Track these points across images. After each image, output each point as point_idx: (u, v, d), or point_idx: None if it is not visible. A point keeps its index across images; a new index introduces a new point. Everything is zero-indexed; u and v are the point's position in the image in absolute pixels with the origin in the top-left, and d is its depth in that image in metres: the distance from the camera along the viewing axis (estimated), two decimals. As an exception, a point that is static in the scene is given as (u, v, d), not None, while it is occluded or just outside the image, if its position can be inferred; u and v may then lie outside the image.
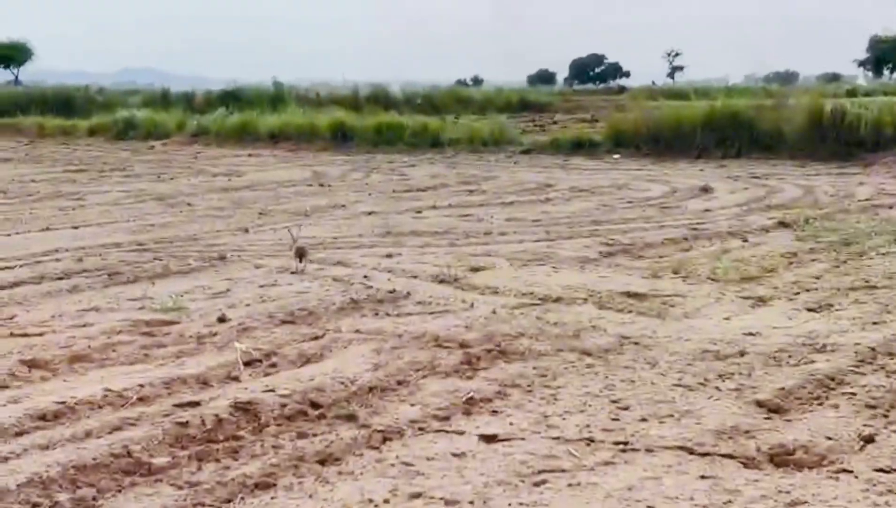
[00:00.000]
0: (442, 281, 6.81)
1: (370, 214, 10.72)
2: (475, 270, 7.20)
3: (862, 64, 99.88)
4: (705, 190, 12.37)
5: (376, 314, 5.88)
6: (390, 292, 6.43)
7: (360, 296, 6.29)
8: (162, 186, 13.92)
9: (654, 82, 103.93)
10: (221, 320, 5.69)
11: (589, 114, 36.02)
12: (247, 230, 9.48)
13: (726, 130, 16.77)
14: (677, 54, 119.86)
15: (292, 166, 17.00)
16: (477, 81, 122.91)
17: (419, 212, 10.82)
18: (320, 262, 7.57)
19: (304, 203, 11.66)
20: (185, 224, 9.96)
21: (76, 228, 9.71)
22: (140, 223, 10.02)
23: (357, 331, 5.45)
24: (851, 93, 60.25)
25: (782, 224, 9.39)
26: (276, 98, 35.64)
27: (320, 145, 20.64)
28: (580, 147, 18.14)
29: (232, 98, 35.93)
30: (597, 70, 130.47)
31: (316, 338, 5.30)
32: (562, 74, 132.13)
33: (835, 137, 15.87)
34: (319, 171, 16.01)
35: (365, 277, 6.94)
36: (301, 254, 7.21)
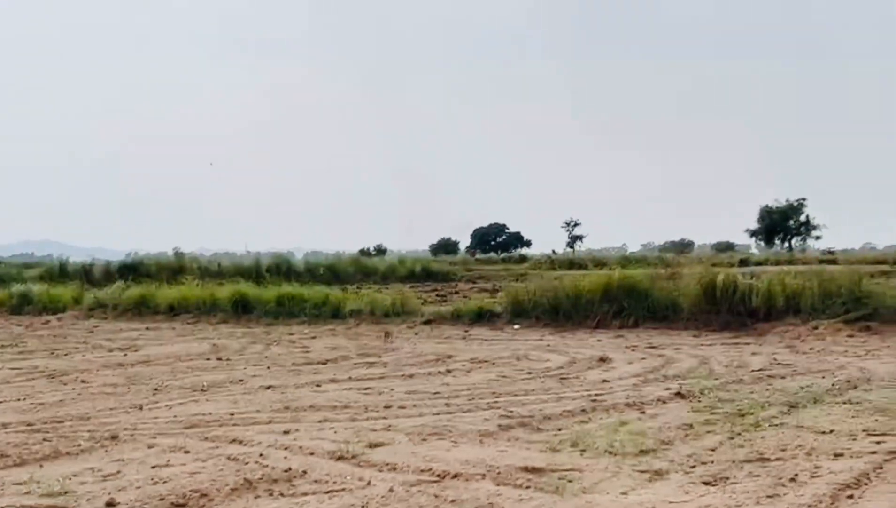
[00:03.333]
0: (340, 458, 6.72)
1: (269, 388, 10.59)
2: (374, 445, 7.12)
3: (754, 234, 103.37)
4: (603, 360, 12.49)
5: (271, 495, 5.77)
6: (286, 470, 6.31)
7: (255, 475, 6.17)
8: (56, 362, 13.63)
9: (554, 251, 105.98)
10: (110, 504, 5.53)
11: (490, 283, 36.53)
12: (141, 408, 9.28)
13: (623, 301, 17.08)
14: (577, 224, 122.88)
15: (191, 340, 16.81)
16: (380, 251, 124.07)
17: (318, 386, 10.73)
18: (215, 440, 7.43)
19: (202, 378, 11.50)
20: (78, 402, 9.72)
21: (-37, 408, 9.41)
22: (31, 402, 9.75)
23: (250, 513, 5.33)
24: (744, 262, 62.25)
25: (679, 395, 9.48)
26: (176, 269, 35.58)
27: (220, 317, 20.52)
28: (481, 317, 18.28)
29: (131, 270, 35.77)
30: (498, 239, 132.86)
31: (207, 522, 5.16)
32: (464, 242, 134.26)
33: (728, 308, 16.26)
34: (218, 344, 15.87)
35: (261, 455, 6.82)
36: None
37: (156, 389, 10.65)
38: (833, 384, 9.97)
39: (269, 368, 12.52)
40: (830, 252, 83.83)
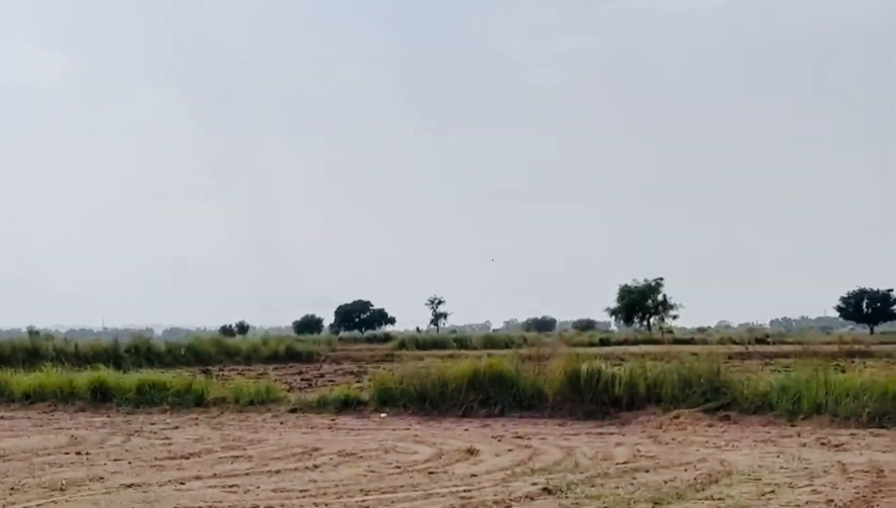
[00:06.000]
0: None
1: (130, 486, 10.33)
2: (240, 553, 7.00)
3: (614, 313, 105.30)
4: (471, 452, 12.52)
5: None
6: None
7: (120, 592, 6.00)
8: None
9: (418, 329, 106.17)
10: None
11: (356, 365, 36.54)
12: (-4, 512, 8.96)
13: (490, 389, 17.17)
14: (441, 301, 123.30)
15: (48, 431, 16.27)
16: (242, 328, 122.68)
17: (182, 483, 10.51)
18: (76, 550, 7.21)
19: (61, 475, 11.15)
20: (-71, 507, 9.34)
21: None
22: None
23: None
24: (605, 341, 63.35)
25: (546, 491, 9.56)
26: (31, 352, 34.59)
27: (79, 406, 19.87)
28: (347, 405, 18.11)
29: (-16, 354, 34.61)
30: (362, 316, 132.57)
31: None
32: (328, 319, 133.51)
33: (591, 397, 16.49)
34: (77, 435, 15.39)
35: (124, 566, 6.64)
36: None
37: (12, 488, 10.28)
38: (695, 479, 10.18)
39: (130, 463, 12.22)
40: (670, 331, 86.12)
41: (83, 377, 21.10)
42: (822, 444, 12.93)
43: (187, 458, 12.64)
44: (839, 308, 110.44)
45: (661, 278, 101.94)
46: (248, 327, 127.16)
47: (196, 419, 17.80)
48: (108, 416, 18.60)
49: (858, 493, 9.29)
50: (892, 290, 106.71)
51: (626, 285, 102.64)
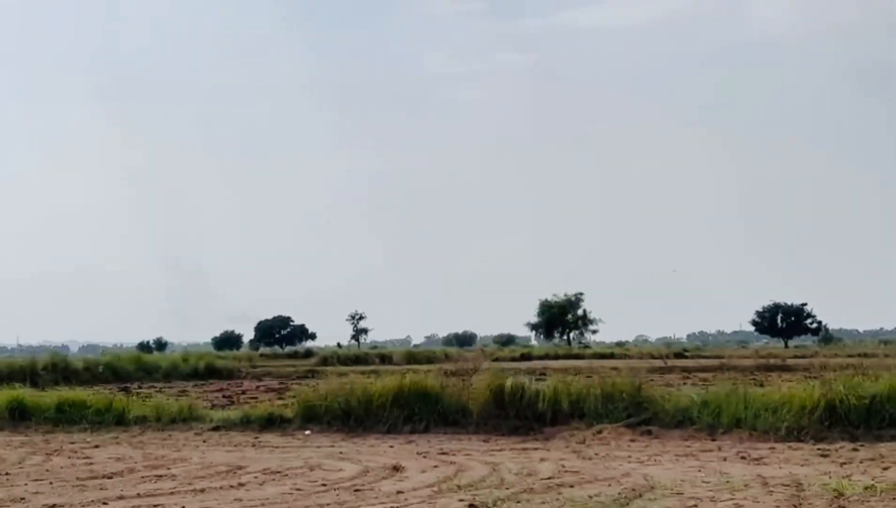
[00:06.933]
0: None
1: (53, 507, 10.21)
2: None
3: (534, 327, 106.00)
4: (396, 469, 12.54)
5: None
6: None
7: None
8: None
9: (339, 344, 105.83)
10: None
11: (277, 381, 36.36)
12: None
13: (414, 406, 17.19)
14: (362, 317, 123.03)
15: (-35, 451, 15.97)
16: (161, 345, 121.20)
17: (105, 503, 10.39)
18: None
19: (-20, 497, 10.98)
20: None
21: None
22: None
23: None
24: (526, 356, 63.70)
25: (472, 507, 9.63)
26: (-54, 370, 33.97)
27: (-5, 424, 19.55)
28: (271, 423, 18.00)
29: None
30: (283, 332, 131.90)
31: None
32: (248, 335, 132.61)
33: (516, 413, 16.62)
34: (-5, 456, 15.14)
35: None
36: None
37: (-70, 516, 10.10)
38: (619, 493, 10.32)
39: (51, 483, 12.03)
40: (587, 347, 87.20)
41: (0, 396, 20.74)
42: (743, 458, 13.16)
43: (110, 478, 12.48)
44: (754, 322, 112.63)
45: (581, 293, 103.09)
46: (166, 343, 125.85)
47: (117, 437, 17.56)
48: (27, 435, 18.28)
49: (779, 506, 9.49)
50: (805, 304, 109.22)
51: (546, 300, 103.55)
